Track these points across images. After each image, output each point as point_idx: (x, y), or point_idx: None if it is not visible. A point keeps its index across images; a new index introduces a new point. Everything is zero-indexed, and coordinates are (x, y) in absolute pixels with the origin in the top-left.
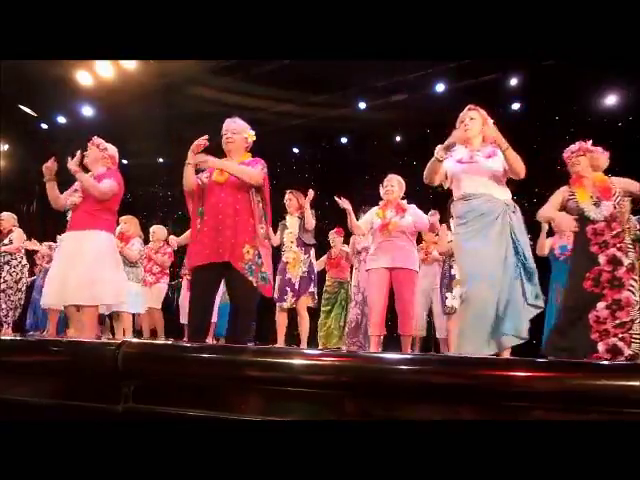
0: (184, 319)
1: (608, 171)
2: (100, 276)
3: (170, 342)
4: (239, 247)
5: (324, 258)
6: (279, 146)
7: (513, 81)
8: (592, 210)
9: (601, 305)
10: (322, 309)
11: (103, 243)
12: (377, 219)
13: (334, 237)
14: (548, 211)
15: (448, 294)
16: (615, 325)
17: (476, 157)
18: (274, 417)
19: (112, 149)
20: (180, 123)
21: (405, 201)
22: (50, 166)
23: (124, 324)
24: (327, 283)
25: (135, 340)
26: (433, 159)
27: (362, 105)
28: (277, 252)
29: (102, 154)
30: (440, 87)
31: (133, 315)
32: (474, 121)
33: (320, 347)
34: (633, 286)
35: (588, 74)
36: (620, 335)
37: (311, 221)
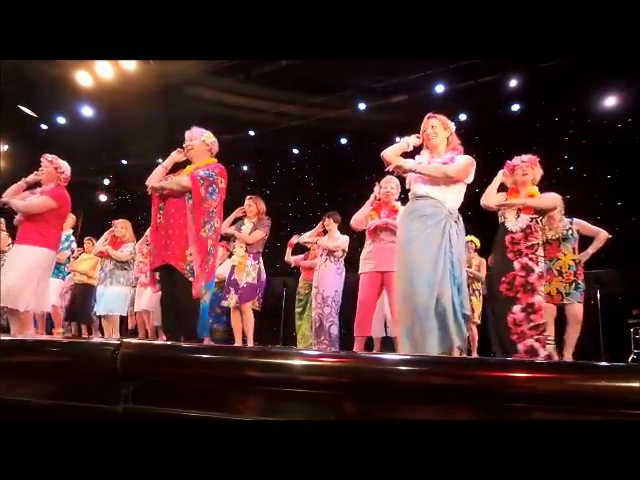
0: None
1: (608, 172)
2: (26, 286)
3: (169, 343)
4: (182, 250)
5: (300, 257)
6: (279, 147)
7: (512, 82)
8: (510, 220)
9: (517, 308)
10: (295, 310)
11: (37, 258)
12: (370, 221)
13: (303, 241)
14: (494, 199)
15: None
16: (530, 327)
17: (432, 162)
18: (273, 417)
19: (67, 170)
20: (180, 124)
21: (399, 202)
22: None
23: (112, 325)
24: (299, 285)
25: (134, 341)
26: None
27: (362, 106)
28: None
29: (57, 174)
30: (440, 88)
31: (122, 317)
32: (435, 129)
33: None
34: (543, 292)
35: (587, 76)
36: (535, 337)
37: (246, 238)
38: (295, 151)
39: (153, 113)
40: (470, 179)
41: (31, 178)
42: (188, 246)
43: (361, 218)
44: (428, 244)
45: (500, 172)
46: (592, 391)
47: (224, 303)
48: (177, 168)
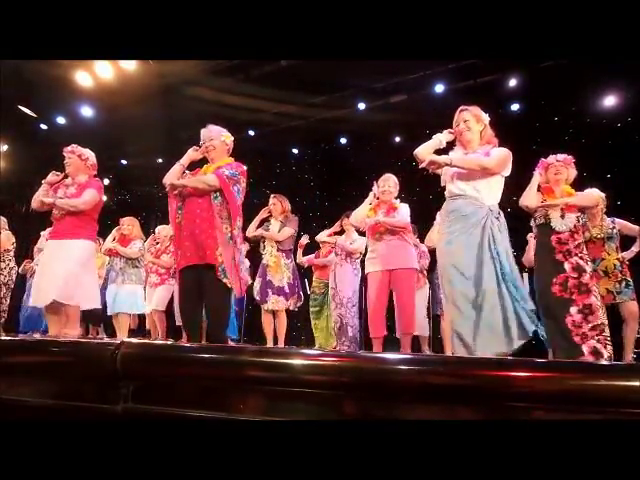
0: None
1: (607, 171)
2: (78, 278)
3: (169, 342)
4: (212, 250)
5: (311, 257)
6: (279, 147)
7: (512, 82)
8: (557, 220)
9: (574, 309)
10: (311, 310)
11: (82, 249)
12: (368, 219)
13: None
14: (533, 199)
15: (442, 296)
16: (590, 328)
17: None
18: (273, 417)
19: (92, 157)
20: (179, 124)
21: (398, 200)
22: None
23: (121, 325)
24: (314, 284)
25: (134, 340)
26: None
27: (361, 106)
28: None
29: (84, 163)
30: (439, 88)
31: (138, 316)
32: (468, 122)
33: (317, 348)
34: (597, 292)
35: (587, 75)
36: (596, 338)
37: (276, 236)
38: (295, 151)
39: (153, 113)
40: (507, 172)
41: (51, 178)
42: (218, 247)
43: (360, 217)
44: (470, 244)
45: (536, 172)
46: (593, 390)
47: (265, 307)
48: (192, 167)
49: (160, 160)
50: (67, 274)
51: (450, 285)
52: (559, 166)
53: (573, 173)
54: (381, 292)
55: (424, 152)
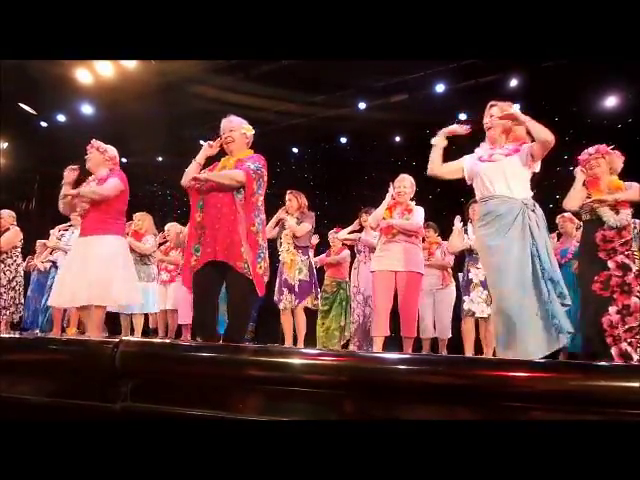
0: (181, 320)
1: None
2: (111, 277)
3: (168, 341)
4: (237, 247)
5: (322, 256)
6: (279, 146)
7: (513, 82)
8: (611, 216)
9: (613, 309)
10: (320, 308)
11: (113, 246)
12: (383, 219)
13: (333, 237)
14: (576, 200)
15: (465, 297)
16: (625, 330)
17: (495, 156)
18: (272, 416)
19: (112, 150)
20: (180, 122)
21: (414, 202)
22: (72, 175)
23: (136, 325)
24: (325, 282)
25: (133, 339)
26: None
27: (362, 105)
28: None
29: (103, 156)
30: (440, 87)
31: (146, 314)
32: (494, 118)
33: (319, 347)
34: (638, 292)
35: (588, 75)
36: (629, 340)
37: (296, 228)
38: (295, 150)
39: (153, 111)
40: (537, 167)
41: (69, 175)
42: (242, 243)
43: (378, 217)
44: (510, 244)
45: (577, 170)
46: (591, 391)
47: (280, 306)
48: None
49: (160, 158)
50: (95, 276)
51: (494, 289)
52: (592, 159)
53: (616, 160)
54: (387, 292)
55: (436, 165)
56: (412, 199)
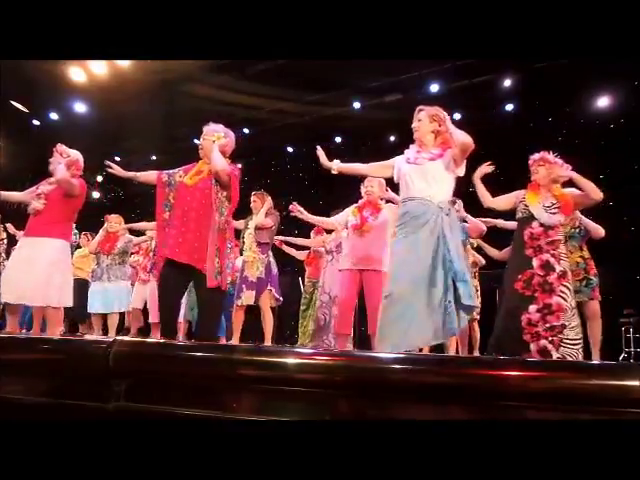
0: (152, 318)
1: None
2: (51, 280)
3: (162, 341)
4: (203, 250)
5: (303, 252)
6: (274, 145)
7: (507, 82)
8: (543, 215)
9: (533, 308)
10: (300, 308)
11: (57, 251)
12: (352, 218)
13: (313, 237)
14: (492, 201)
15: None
16: (545, 329)
17: (420, 159)
18: (266, 416)
19: (76, 155)
20: (174, 120)
21: (383, 201)
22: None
23: (112, 324)
24: (305, 283)
25: (126, 338)
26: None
27: (357, 105)
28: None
29: (66, 161)
30: (434, 87)
31: (122, 313)
32: (421, 122)
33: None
34: (564, 292)
35: (581, 76)
36: (550, 338)
37: (263, 220)
38: (290, 149)
39: (147, 110)
40: (461, 172)
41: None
42: (208, 243)
43: (342, 220)
44: (415, 243)
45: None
46: (585, 390)
47: (237, 302)
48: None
49: (154, 157)
50: (43, 276)
51: (396, 285)
52: (534, 165)
53: (558, 171)
54: (351, 291)
55: (487, 199)
56: (381, 199)
